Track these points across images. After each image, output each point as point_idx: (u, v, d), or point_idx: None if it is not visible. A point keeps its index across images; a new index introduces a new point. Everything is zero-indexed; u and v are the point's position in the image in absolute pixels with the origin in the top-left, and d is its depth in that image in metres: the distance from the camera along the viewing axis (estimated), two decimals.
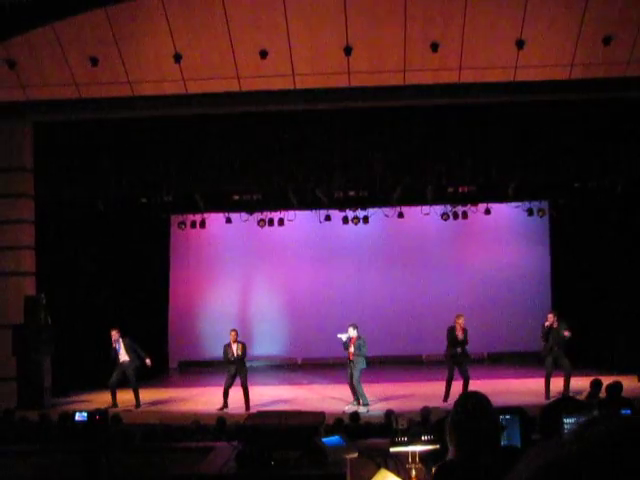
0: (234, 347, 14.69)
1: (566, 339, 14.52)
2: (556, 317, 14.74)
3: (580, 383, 14.24)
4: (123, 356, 15.02)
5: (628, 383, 10.58)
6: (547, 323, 14.74)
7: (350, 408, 13.52)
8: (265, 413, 7.88)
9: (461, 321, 14.75)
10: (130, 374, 15.02)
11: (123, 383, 15.11)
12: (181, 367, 21.46)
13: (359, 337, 14.22)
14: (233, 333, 14.81)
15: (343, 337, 14.18)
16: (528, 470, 1.26)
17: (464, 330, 14.70)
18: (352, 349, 14.13)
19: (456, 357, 14.62)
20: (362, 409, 13.48)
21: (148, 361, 15.07)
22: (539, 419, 3.59)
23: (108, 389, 14.99)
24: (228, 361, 14.71)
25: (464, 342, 14.66)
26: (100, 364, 15.36)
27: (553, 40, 13.59)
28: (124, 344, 15.01)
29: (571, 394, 13.68)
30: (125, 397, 15.05)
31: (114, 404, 14.69)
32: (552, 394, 14.23)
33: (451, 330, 14.73)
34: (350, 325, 14.28)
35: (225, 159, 15.28)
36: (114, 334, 15.01)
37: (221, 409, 14.15)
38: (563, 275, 19.71)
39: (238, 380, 14.56)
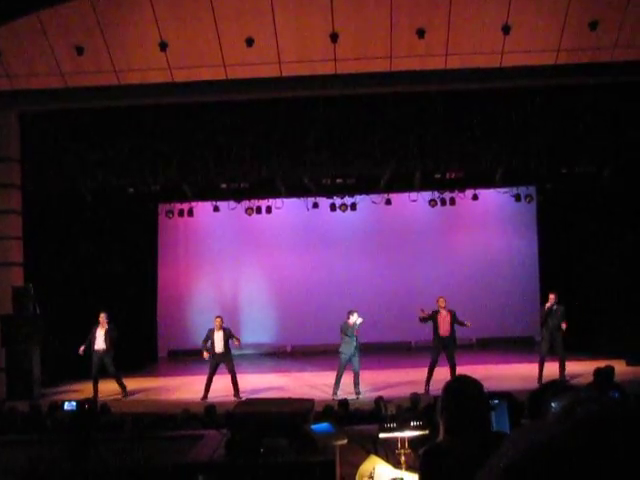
0: (218, 335, 14.51)
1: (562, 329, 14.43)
2: (556, 299, 14.64)
3: (569, 368, 14.32)
4: (99, 344, 14.81)
5: (616, 367, 10.63)
6: (548, 304, 14.61)
7: (360, 395, 13.66)
8: (254, 401, 7.91)
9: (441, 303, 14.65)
10: (108, 363, 14.82)
11: (106, 373, 14.99)
12: (170, 356, 21.46)
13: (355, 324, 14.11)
14: (218, 320, 14.64)
15: (358, 320, 14.08)
16: (513, 451, 1.27)
17: (450, 313, 14.60)
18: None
19: (442, 341, 14.52)
20: (352, 395, 13.52)
21: None
22: (527, 404, 3.60)
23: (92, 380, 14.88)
24: (205, 348, 14.62)
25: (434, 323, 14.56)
26: (89, 354, 15.30)
27: (539, 25, 13.59)
28: (107, 330, 14.82)
29: (567, 378, 13.67)
30: (114, 387, 15.03)
31: (95, 395, 14.39)
32: (544, 379, 14.12)
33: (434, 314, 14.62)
34: (353, 312, 14.15)
35: (212, 147, 15.25)
36: (102, 317, 14.86)
37: (202, 399, 13.89)
38: (551, 260, 19.77)
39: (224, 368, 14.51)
